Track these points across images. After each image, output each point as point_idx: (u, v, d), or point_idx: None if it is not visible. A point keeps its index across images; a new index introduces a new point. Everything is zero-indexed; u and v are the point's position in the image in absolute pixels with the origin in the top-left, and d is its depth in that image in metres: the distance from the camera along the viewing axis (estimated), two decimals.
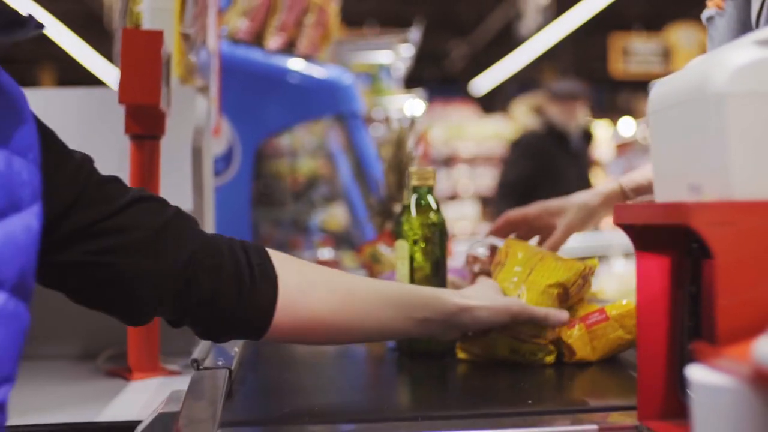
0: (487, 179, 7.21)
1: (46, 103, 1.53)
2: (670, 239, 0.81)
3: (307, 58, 2.21)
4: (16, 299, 0.71)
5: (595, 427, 0.84)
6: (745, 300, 0.67)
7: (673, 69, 1.11)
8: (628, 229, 0.84)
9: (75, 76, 11.33)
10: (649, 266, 0.83)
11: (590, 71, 10.72)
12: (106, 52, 10.92)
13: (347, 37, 3.33)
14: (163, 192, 1.32)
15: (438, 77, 13.46)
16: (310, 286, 0.94)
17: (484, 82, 12.93)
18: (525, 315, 1.09)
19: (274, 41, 2.17)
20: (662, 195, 0.81)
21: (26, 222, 0.73)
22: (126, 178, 1.34)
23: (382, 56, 3.12)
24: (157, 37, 1.23)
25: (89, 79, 11.67)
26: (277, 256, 0.95)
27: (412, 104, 3.20)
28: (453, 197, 7.17)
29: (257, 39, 2.17)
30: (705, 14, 1.18)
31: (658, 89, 0.81)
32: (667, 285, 0.82)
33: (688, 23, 8.52)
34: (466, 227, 6.36)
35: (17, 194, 0.73)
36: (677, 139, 0.76)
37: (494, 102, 13.08)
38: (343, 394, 1.05)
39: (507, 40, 9.31)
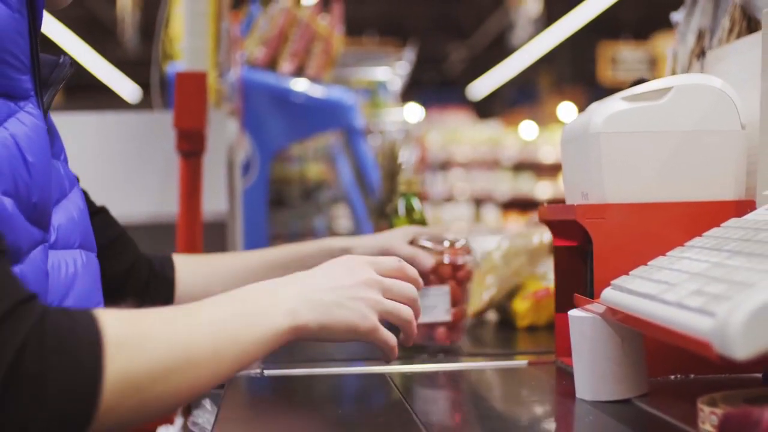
0: (481, 182, 7.56)
1: (104, 125, 1.89)
2: (578, 231, 1.16)
3: (315, 80, 2.56)
4: (90, 253, 1.04)
5: (525, 362, 1.19)
6: (613, 271, 1.01)
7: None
8: (547, 223, 1.19)
9: (80, 80, 11.64)
10: (563, 250, 1.18)
11: (588, 76, 11.01)
12: (110, 56, 11.26)
13: (347, 49, 3.66)
14: (205, 197, 1.68)
15: (437, 81, 13.73)
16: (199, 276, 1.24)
17: (482, 86, 13.22)
18: (392, 252, 1.25)
19: (286, 66, 2.52)
20: (568, 199, 1.16)
21: (77, 202, 1.05)
22: (174, 186, 1.70)
23: (380, 73, 3.46)
24: (202, 77, 1.59)
25: (94, 83, 11.98)
26: (180, 259, 1.26)
27: (409, 113, 3.53)
28: (449, 199, 7.51)
29: (272, 64, 2.51)
30: (670, 53, 1.48)
31: (566, 127, 1.16)
32: (575, 264, 1.17)
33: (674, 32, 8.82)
34: (461, 227, 6.70)
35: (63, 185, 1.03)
36: (575, 161, 1.12)
37: (491, 106, 13.36)
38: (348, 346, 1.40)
39: (505, 45, 9.64)
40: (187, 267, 1.26)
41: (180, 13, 2.62)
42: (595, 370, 0.94)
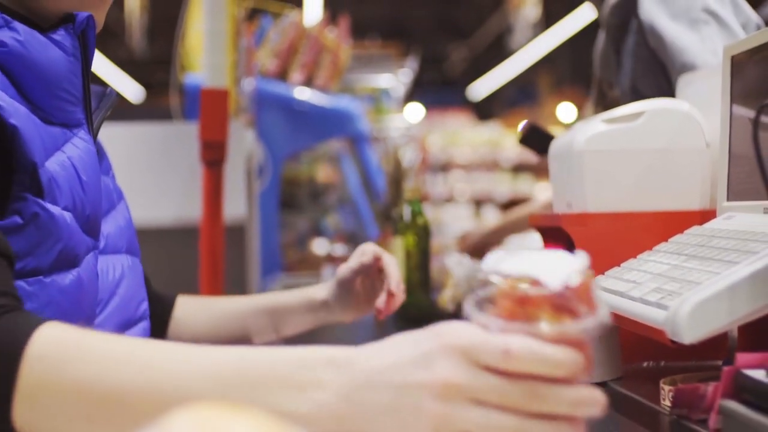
0: (481, 183, 7.71)
1: (132, 135, 2.03)
2: (563, 236, 1.30)
3: (323, 89, 2.72)
4: (134, 257, 1.18)
5: None
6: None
7: None
8: (538, 229, 1.34)
9: None
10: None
11: (586, 78, 11.13)
12: (111, 56, 11.40)
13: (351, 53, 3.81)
14: (226, 202, 1.83)
15: (437, 81, 13.86)
16: (191, 314, 1.32)
17: (482, 87, 13.35)
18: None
19: (296, 76, 2.67)
20: (555, 208, 1.31)
21: (123, 213, 1.19)
22: (195, 192, 1.85)
23: (384, 80, 3.62)
24: (225, 94, 1.74)
25: (96, 82, 12.10)
26: (182, 300, 1.34)
27: (410, 114, 3.68)
28: (449, 200, 7.66)
29: (283, 74, 2.67)
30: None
31: (554, 144, 1.31)
32: None
33: None
34: (461, 227, 6.82)
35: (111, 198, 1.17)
36: (561, 175, 1.27)
37: (491, 107, 13.49)
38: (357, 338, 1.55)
39: (505, 45, 9.76)
40: (184, 306, 1.34)
41: (196, 27, 2.77)
42: None
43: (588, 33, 10.11)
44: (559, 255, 0.59)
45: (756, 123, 0.83)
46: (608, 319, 0.56)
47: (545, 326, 0.55)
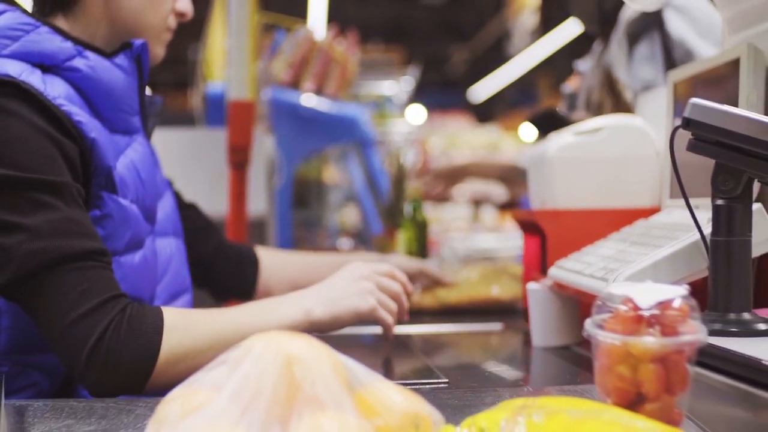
0: (480, 184, 7.93)
1: (167, 139, 2.28)
2: (538, 228, 1.55)
3: (333, 98, 2.97)
4: (179, 239, 1.42)
5: (500, 325, 1.59)
6: (560, 256, 1.41)
7: None
8: (518, 222, 1.60)
9: None
10: (529, 243, 1.58)
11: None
12: None
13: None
14: (250, 200, 2.08)
15: (438, 82, 14.04)
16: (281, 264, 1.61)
17: (482, 89, 13.52)
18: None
19: (308, 85, 2.93)
20: (532, 205, 1.56)
21: (169, 201, 1.43)
22: (221, 190, 2.10)
23: (387, 87, 3.87)
24: (251, 106, 1.99)
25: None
26: (260, 249, 1.63)
27: (413, 116, 3.88)
28: (449, 200, 7.88)
29: (296, 84, 2.92)
30: (565, 90, 1.96)
31: (530, 153, 1.57)
32: (538, 252, 1.57)
33: None
34: (460, 226, 7.04)
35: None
36: (536, 177, 1.52)
37: (492, 109, 13.67)
38: None
39: (505, 48, 9.94)
40: (267, 254, 1.62)
41: (218, 42, 3.03)
42: (543, 325, 1.34)
43: (587, 36, 10.29)
44: (664, 286, 0.72)
45: (672, 139, 1.07)
46: (705, 339, 0.69)
47: (651, 340, 0.68)
